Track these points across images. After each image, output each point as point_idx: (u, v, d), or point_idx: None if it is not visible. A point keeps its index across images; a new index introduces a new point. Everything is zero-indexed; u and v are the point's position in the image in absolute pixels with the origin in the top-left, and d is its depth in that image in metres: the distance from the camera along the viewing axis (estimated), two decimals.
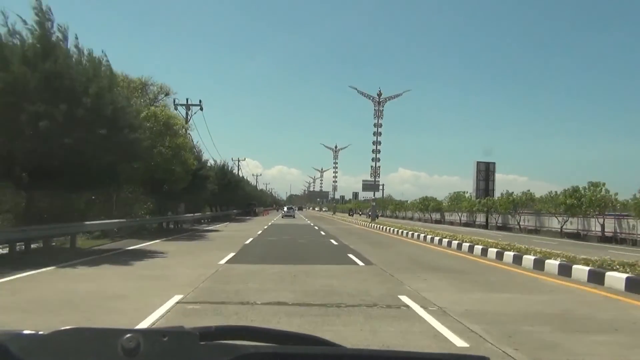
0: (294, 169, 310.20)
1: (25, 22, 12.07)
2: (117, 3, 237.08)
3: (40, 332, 1.02)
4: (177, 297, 7.56)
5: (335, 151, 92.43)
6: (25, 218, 13.94)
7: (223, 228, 32.85)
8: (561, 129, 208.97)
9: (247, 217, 57.12)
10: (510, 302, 8.02)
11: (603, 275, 10.11)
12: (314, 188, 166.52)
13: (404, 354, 1.23)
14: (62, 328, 1.00)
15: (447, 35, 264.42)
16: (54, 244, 15.49)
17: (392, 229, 31.55)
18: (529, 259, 13.06)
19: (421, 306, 7.35)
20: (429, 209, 65.81)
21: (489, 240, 18.41)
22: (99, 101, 12.75)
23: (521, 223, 42.81)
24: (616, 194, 33.00)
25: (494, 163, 60.01)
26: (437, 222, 62.24)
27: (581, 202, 32.81)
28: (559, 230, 36.29)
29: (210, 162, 43.58)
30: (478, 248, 16.39)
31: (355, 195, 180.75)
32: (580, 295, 9.04)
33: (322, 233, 28.25)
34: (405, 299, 7.93)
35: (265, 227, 34.34)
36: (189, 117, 33.99)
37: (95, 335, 1.00)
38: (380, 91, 52.08)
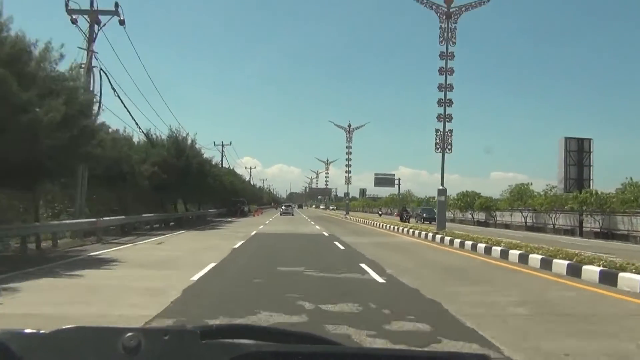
0: (294, 167, 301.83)
1: None
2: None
3: (41, 331, 1.01)
4: None
5: (349, 132, 69.31)
6: None
7: (128, 254, 13.40)
8: (561, 127, 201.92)
9: (230, 220, 40.97)
10: None
11: None
12: (317, 184, 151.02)
13: (404, 352, 1.35)
14: (63, 327, 0.99)
15: (436, 32, 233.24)
16: None
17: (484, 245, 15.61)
18: None
19: None
20: (473, 207, 49.71)
21: None
22: None
23: None
24: None
25: (590, 140, 42.87)
26: (480, 223, 46.67)
27: None
28: None
29: (157, 133, 27.49)
30: None
31: (363, 192, 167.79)
32: None
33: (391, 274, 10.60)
34: None
35: (242, 242, 18.13)
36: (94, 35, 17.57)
37: (96, 334, 1.01)
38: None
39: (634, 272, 9.25)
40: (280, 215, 58.18)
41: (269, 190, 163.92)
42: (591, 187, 36.14)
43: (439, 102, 24.90)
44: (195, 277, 9.17)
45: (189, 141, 29.85)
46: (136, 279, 9.00)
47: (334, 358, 1.11)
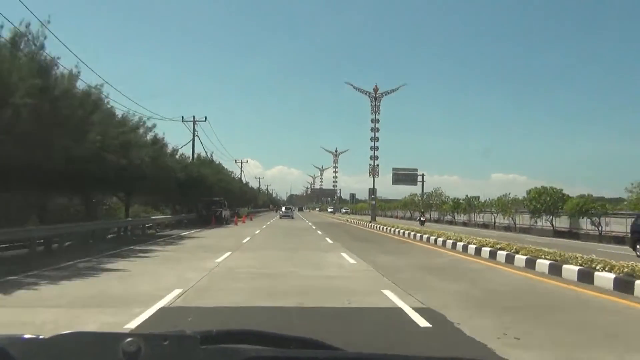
0: (294, 169, 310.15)
1: None
2: (112, 4, 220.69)
3: (40, 336, 1.01)
4: None
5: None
6: None
7: None
8: (562, 127, 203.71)
9: (188, 233, 25.26)
10: None
11: None
12: (321, 185, 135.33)
13: (406, 358, 1.31)
14: (63, 332, 1.00)
15: (445, 34, 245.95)
16: None
17: None
18: None
19: None
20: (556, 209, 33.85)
21: None
22: None
23: None
24: None
25: None
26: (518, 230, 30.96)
27: None
28: None
29: None
30: None
31: (353, 196, 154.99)
32: None
33: None
34: None
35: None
36: None
37: (95, 339, 1.02)
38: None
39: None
40: (280, 218, 55.24)
41: (267, 191, 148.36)
42: None
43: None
44: None
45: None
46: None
47: None
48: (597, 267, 9.73)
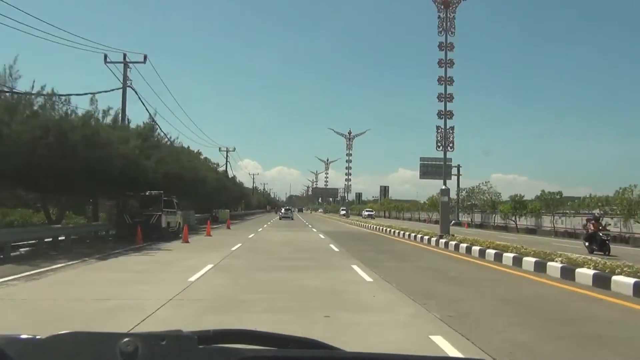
0: (294, 169, 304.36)
1: None
2: (116, 2, 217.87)
3: (37, 337, 1.00)
4: None
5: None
6: None
7: None
8: (561, 128, 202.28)
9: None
10: None
11: None
12: (327, 183, 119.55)
13: (404, 357, 1.26)
14: (60, 332, 0.98)
15: (435, 25, 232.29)
16: None
17: None
18: None
19: None
20: None
21: None
22: None
23: None
24: None
25: None
26: None
27: None
28: None
29: None
30: None
31: (359, 195, 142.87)
32: None
33: None
34: None
35: None
36: None
37: (93, 339, 0.99)
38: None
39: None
40: (280, 219, 53.87)
41: (264, 189, 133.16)
42: None
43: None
44: None
45: None
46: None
47: None
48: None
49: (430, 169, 55.02)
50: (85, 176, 15.27)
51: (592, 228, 17.90)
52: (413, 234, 24.29)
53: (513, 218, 41.47)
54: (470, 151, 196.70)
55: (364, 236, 26.50)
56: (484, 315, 6.86)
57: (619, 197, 28.19)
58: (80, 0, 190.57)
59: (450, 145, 23.75)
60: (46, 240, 15.03)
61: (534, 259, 12.28)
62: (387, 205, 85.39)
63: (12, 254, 12.93)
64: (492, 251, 14.67)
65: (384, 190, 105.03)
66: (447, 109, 23.20)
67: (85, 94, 18.70)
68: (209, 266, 11.29)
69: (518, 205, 40.12)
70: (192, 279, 9.34)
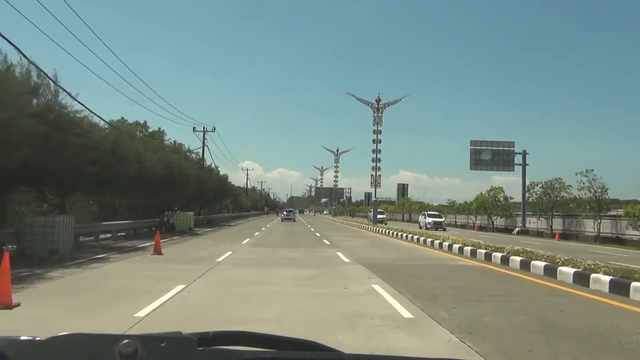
0: (294, 171, 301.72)
1: None
2: (114, 5, 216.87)
3: (37, 338, 1.00)
4: None
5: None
6: None
7: None
8: (561, 129, 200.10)
9: None
10: None
11: None
12: (336, 182, 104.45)
13: (402, 358, 1.29)
14: (60, 334, 0.98)
15: (447, 37, 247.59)
16: None
17: None
18: None
19: None
20: None
21: None
22: None
23: None
24: None
25: None
26: None
27: None
28: None
29: None
30: None
31: (368, 196, 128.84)
32: None
33: None
34: None
35: None
36: None
37: (92, 341, 0.99)
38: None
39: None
40: (282, 221, 50.40)
41: (262, 189, 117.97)
42: None
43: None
44: None
45: None
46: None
47: None
48: None
49: (487, 158, 39.94)
50: None
51: None
52: None
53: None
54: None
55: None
56: None
57: None
58: None
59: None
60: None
61: None
62: (410, 207, 69.81)
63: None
64: None
65: (402, 189, 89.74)
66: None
67: None
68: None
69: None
70: None
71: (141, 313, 6.29)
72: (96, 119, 17.41)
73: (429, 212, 44.41)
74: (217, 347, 1.04)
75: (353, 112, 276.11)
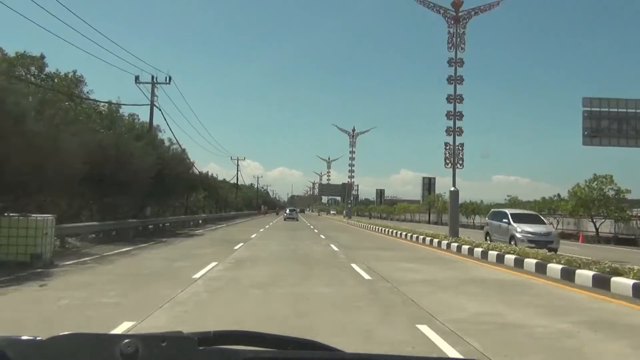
0: (295, 170, 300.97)
1: None
2: (112, 8, 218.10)
3: (38, 338, 0.99)
4: None
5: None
6: None
7: None
8: (561, 129, 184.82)
9: None
10: None
11: None
12: (352, 179, 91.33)
13: (402, 357, 1.21)
14: (61, 334, 0.97)
15: (443, 35, 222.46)
16: None
17: None
18: None
19: None
20: None
21: None
22: None
23: None
24: None
25: None
26: None
27: None
28: None
29: None
30: None
31: (381, 192, 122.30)
32: None
33: None
34: None
35: None
36: None
37: (93, 340, 0.98)
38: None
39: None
40: (284, 220, 50.14)
41: (259, 186, 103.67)
42: None
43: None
44: None
45: None
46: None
47: None
48: None
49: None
50: None
51: None
52: None
53: None
54: (470, 151, 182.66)
55: None
56: None
57: None
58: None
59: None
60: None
61: None
62: (432, 204, 56.92)
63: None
64: None
65: (429, 183, 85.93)
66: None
67: None
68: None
69: None
70: None
71: None
72: None
73: (513, 212, 19.35)
74: (217, 346, 1.03)
75: (355, 112, 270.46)
